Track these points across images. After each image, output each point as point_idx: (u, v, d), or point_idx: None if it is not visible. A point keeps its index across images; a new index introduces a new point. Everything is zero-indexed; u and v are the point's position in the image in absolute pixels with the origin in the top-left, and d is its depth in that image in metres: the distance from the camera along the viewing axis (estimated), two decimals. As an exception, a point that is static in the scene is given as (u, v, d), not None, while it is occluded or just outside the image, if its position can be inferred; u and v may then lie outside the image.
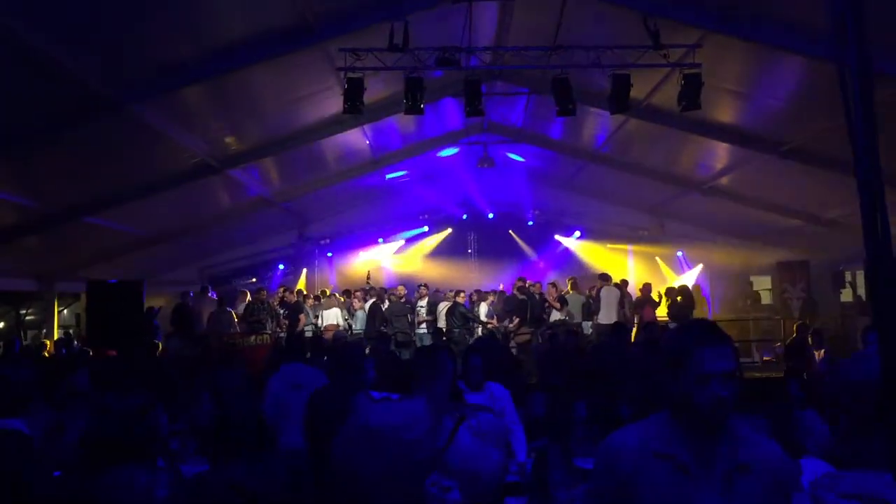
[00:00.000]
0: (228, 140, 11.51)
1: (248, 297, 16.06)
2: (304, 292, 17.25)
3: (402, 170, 16.84)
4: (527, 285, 15.39)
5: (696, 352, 2.10)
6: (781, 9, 8.16)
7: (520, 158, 17.40)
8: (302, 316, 15.35)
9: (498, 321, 15.75)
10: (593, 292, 15.92)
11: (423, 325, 15.52)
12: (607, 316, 14.52)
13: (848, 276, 14.38)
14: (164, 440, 4.10)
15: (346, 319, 15.48)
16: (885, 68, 7.41)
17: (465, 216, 20.77)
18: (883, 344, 1.33)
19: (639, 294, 15.67)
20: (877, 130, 1.38)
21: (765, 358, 14.98)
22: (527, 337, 14.52)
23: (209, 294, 16.12)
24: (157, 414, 3.55)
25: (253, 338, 14.98)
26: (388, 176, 16.93)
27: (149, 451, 3.29)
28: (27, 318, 17.47)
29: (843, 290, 14.55)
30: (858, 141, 1.34)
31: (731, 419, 2.15)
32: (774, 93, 10.27)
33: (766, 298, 17.49)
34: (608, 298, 15.33)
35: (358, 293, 16.35)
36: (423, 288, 16.31)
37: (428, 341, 14.89)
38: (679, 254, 18.64)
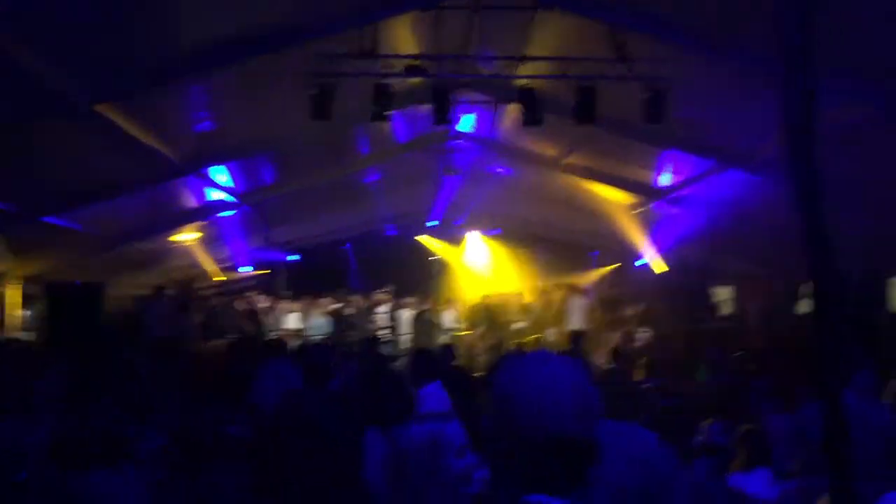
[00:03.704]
0: (194, 142, 11.43)
1: (211, 302, 15.99)
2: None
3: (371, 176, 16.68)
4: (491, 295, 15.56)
5: None
6: (743, 27, 8.32)
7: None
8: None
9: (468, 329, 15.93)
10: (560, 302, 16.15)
11: (386, 332, 15.54)
12: (575, 324, 14.69)
13: (804, 289, 14.64)
14: (135, 446, 4.08)
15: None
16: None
17: (432, 223, 20.80)
18: (822, 353, 1.38)
19: None
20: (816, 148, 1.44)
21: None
22: (493, 342, 14.68)
23: (166, 298, 15.89)
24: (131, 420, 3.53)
25: (218, 343, 14.87)
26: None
27: (121, 457, 3.27)
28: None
29: (799, 303, 14.81)
30: (796, 157, 1.40)
31: None
32: (740, 107, 10.45)
33: (726, 309, 17.76)
34: (576, 307, 15.51)
35: (323, 299, 16.35)
36: (382, 294, 16.31)
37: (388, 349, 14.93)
38: (644, 261, 18.84)
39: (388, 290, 16.84)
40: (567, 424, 1.52)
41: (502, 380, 1.65)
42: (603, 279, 19.39)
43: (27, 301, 15.72)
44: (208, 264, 18.82)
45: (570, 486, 1.50)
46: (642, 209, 16.68)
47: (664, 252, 17.98)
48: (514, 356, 1.74)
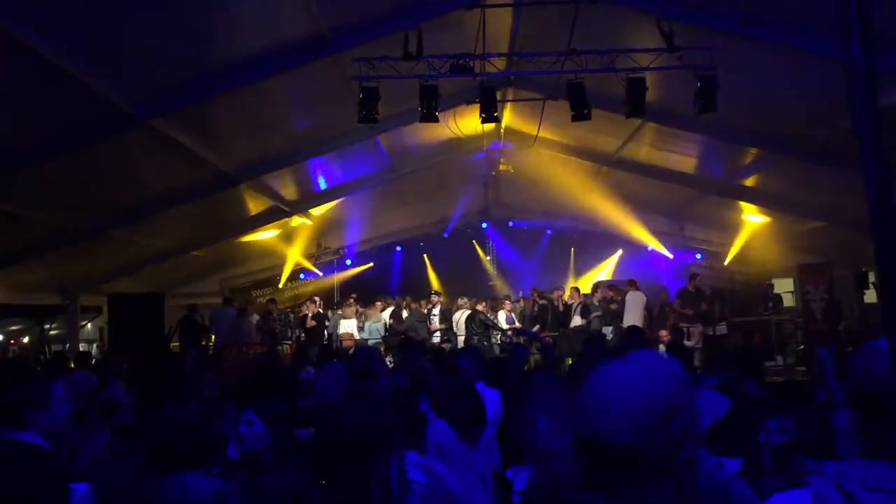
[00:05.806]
0: (245, 152, 11.59)
1: (269, 308, 16.22)
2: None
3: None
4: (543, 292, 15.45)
5: None
6: (795, 9, 8.09)
7: None
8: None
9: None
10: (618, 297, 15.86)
11: (437, 333, 15.51)
12: (633, 321, 14.40)
13: (872, 277, 14.11)
14: (223, 447, 4.13)
15: (359, 329, 15.55)
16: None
17: (484, 224, 20.76)
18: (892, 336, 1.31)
19: None
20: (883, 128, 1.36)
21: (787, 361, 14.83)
22: (548, 341, 14.54)
23: (228, 306, 16.19)
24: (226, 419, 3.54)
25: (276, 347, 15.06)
26: None
27: (210, 458, 3.30)
28: (51, 332, 17.61)
29: (866, 292, 14.27)
30: (865, 139, 1.32)
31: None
32: (792, 93, 10.16)
33: (788, 301, 17.23)
34: (634, 303, 15.21)
35: (377, 303, 16.41)
36: (434, 296, 16.34)
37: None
38: (698, 257, 18.50)
39: (438, 291, 16.96)
40: (605, 428, 1.46)
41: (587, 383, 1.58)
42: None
43: (89, 312, 16.18)
44: (266, 271, 19.13)
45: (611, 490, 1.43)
46: (697, 203, 16.39)
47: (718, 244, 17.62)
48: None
